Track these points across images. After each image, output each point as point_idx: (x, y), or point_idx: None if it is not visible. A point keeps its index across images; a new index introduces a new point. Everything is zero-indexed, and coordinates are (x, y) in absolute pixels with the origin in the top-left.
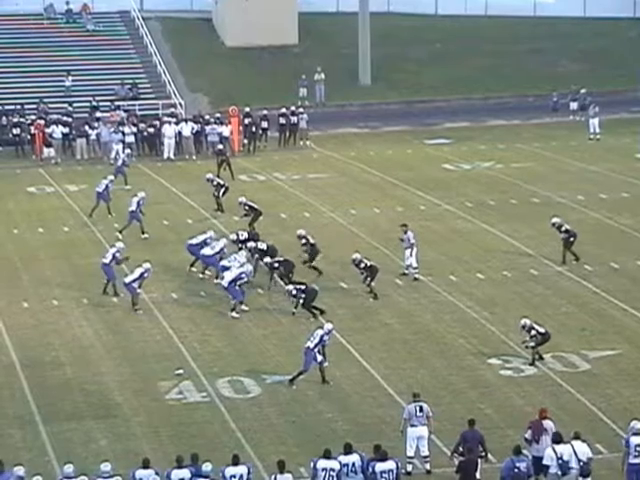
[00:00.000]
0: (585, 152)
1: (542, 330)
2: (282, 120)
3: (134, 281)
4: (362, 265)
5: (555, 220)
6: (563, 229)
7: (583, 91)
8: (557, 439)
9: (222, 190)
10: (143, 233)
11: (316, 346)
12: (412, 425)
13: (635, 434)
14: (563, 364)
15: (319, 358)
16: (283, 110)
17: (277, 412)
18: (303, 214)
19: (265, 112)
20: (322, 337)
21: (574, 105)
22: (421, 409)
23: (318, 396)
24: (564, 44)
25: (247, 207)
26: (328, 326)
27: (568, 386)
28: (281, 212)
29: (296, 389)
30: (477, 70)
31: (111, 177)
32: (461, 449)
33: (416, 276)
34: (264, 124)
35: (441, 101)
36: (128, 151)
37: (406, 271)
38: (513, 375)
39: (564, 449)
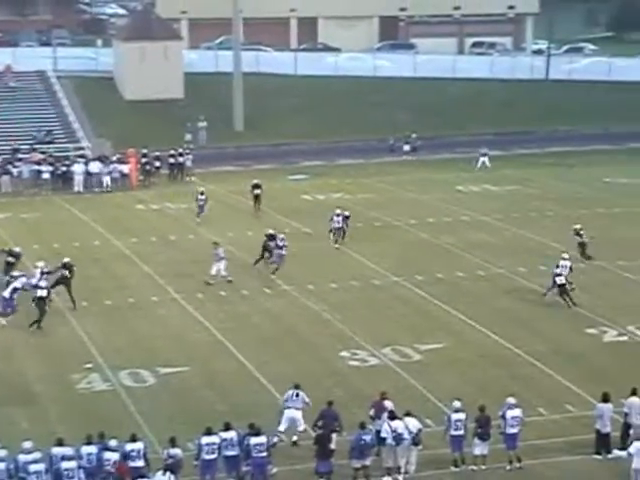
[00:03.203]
0: (415, 185)
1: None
2: (171, 160)
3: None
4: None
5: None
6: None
7: (414, 136)
8: (392, 416)
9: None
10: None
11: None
12: (287, 407)
13: (456, 411)
14: (400, 355)
15: None
16: (172, 152)
17: (168, 398)
18: (189, 237)
19: (158, 153)
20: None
21: (407, 147)
22: (297, 395)
23: (202, 385)
24: (398, 98)
25: None
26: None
27: (404, 373)
28: (170, 234)
29: (183, 379)
30: (329, 119)
31: None
32: (319, 424)
33: (211, 282)
34: (157, 163)
35: (300, 144)
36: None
37: (212, 281)
38: (360, 365)
39: (398, 424)
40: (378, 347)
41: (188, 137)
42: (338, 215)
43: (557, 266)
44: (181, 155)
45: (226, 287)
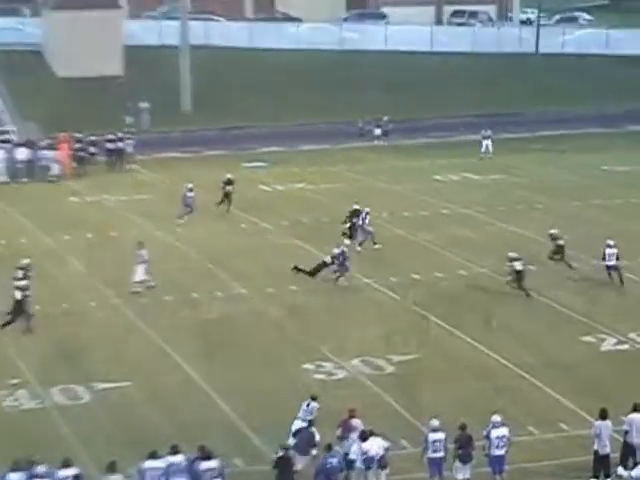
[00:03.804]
0: (388, 174)
1: None
2: (109, 145)
3: None
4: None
5: (553, 231)
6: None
7: (386, 118)
8: (363, 436)
9: None
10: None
11: None
12: (296, 418)
13: (433, 431)
14: (371, 367)
15: None
16: (110, 136)
17: (107, 417)
18: (130, 233)
19: (93, 138)
20: None
21: (378, 131)
22: (308, 405)
23: (145, 401)
24: (368, 75)
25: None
26: None
27: (376, 387)
28: (110, 231)
29: (123, 395)
30: (289, 99)
31: None
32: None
33: (134, 290)
34: (92, 149)
35: (257, 128)
36: None
37: (140, 288)
38: (325, 379)
39: (370, 446)
40: (346, 358)
41: (129, 120)
42: (368, 214)
43: (603, 257)
44: (121, 140)
45: (173, 291)
